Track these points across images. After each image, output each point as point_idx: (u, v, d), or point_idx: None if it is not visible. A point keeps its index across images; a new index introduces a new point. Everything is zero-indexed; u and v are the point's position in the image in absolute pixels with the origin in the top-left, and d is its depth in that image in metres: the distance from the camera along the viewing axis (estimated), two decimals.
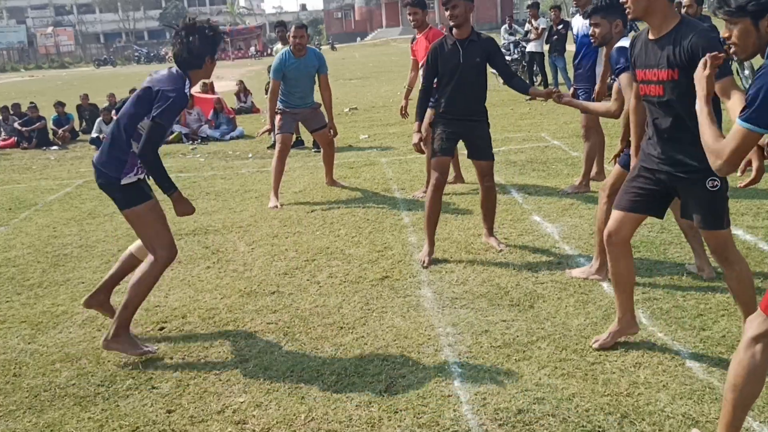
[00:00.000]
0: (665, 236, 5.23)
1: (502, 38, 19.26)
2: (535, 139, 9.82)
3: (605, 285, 4.40)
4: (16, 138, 13.00)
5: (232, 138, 12.07)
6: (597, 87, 6.36)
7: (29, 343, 4.11)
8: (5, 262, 5.69)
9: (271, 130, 7.31)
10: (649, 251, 4.94)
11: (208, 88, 14.67)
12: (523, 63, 16.71)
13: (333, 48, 52.06)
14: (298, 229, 6.16)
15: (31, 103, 13.80)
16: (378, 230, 5.94)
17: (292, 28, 7.07)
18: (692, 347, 3.55)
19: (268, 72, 7.65)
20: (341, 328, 4.08)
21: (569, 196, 6.50)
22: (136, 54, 62.73)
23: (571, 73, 13.49)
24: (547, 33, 14.30)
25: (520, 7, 78.31)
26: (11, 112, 13.58)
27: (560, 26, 13.83)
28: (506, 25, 19.18)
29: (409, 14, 6.58)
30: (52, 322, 4.40)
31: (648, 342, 3.64)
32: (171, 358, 3.82)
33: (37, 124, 12.97)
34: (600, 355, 3.52)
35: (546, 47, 14.54)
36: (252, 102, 15.86)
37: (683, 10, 7.61)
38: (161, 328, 4.22)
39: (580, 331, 3.82)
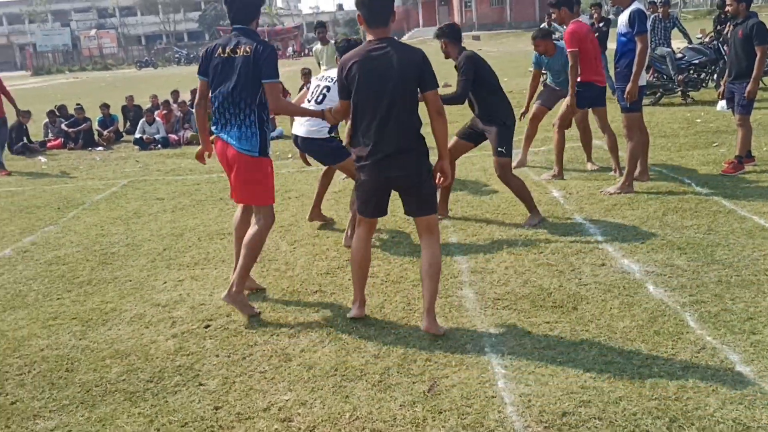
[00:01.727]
0: (712, 237, 5.14)
1: None
2: (577, 138, 9.70)
3: (651, 288, 4.35)
4: (62, 139, 13.32)
5: (272, 138, 12.16)
6: (628, 87, 6.29)
7: (80, 340, 4.21)
8: (56, 260, 5.85)
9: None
10: (695, 253, 4.86)
11: None
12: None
13: None
14: (338, 229, 6.19)
15: (78, 104, 14.11)
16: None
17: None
18: (742, 351, 3.49)
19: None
20: (383, 327, 4.10)
21: (612, 197, 6.42)
22: (176, 55, 63.68)
23: (612, 72, 13.37)
24: None
25: None
26: (58, 115, 13.92)
27: (601, 24, 13.64)
28: (545, 24, 19.01)
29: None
30: (101, 319, 4.51)
31: (696, 346, 3.58)
32: (217, 356, 3.88)
33: (83, 125, 13.28)
34: (647, 359, 3.48)
35: None
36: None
37: (726, 9, 7.50)
38: (207, 326, 4.29)
39: (626, 333, 3.78)
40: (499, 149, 5.70)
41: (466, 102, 5.81)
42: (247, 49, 4.12)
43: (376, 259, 5.30)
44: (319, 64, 11.16)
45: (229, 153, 4.27)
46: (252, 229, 4.33)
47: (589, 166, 7.78)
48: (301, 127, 5.69)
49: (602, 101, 7.19)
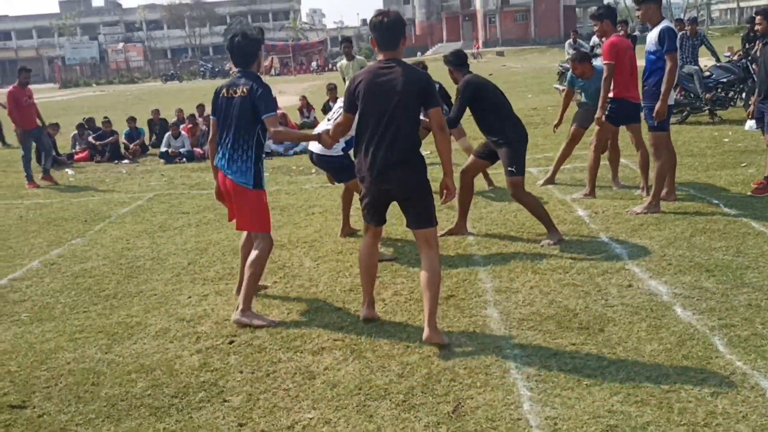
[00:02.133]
0: (741, 260, 5.06)
1: (566, 53, 19.06)
2: (603, 157, 9.63)
3: (679, 310, 4.30)
4: (90, 151, 13.51)
5: (295, 153, 12.26)
6: (657, 106, 6.24)
7: (106, 353, 4.25)
8: (83, 273, 5.91)
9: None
10: (724, 275, 4.79)
11: None
12: None
13: None
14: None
15: (105, 117, 14.32)
16: (442, 249, 5.88)
17: None
18: None
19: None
20: (408, 346, 4.08)
21: (639, 216, 6.36)
22: (202, 69, 64.37)
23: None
24: None
25: (584, 21, 77.43)
26: (86, 128, 14.12)
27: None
28: (570, 40, 19.00)
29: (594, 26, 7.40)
30: (127, 333, 4.54)
31: (726, 371, 3.52)
32: (241, 372, 3.89)
33: (110, 138, 13.46)
34: (675, 383, 3.43)
35: None
36: (315, 117, 16.08)
37: (756, 28, 7.50)
38: (231, 342, 4.30)
39: (654, 357, 3.73)
40: (510, 168, 5.75)
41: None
42: (244, 90, 4.49)
43: (400, 276, 5.30)
44: (344, 79, 11.22)
45: (228, 183, 4.62)
46: (252, 254, 4.63)
47: (614, 184, 7.73)
48: (316, 144, 5.78)
49: (637, 118, 7.11)
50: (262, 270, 4.73)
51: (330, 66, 60.52)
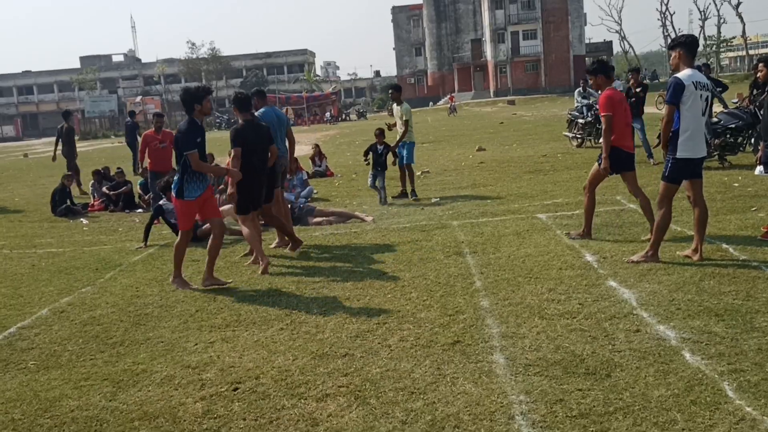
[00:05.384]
0: (751, 304, 5.01)
1: (575, 101, 19.24)
2: (610, 202, 9.66)
3: (687, 355, 4.24)
4: (104, 201, 13.68)
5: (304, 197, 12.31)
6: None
7: (110, 401, 4.24)
8: (91, 321, 5.93)
9: None
10: (734, 320, 4.74)
11: None
12: (597, 126, 16.62)
13: None
14: (369, 291, 6.20)
15: (118, 168, 14.56)
16: (449, 294, 5.92)
17: None
18: None
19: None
20: (412, 393, 4.04)
21: (647, 262, 6.32)
22: (218, 120, 65.26)
23: (649, 135, 13.34)
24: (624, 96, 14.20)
25: None
26: (102, 173, 14.36)
27: (639, 89, 13.73)
28: (580, 88, 19.20)
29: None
30: (132, 380, 4.54)
31: (735, 416, 3.46)
32: (244, 419, 3.86)
33: (123, 188, 13.63)
34: (683, 430, 3.37)
35: None
36: (326, 166, 16.24)
37: (758, 75, 7.66)
38: (235, 389, 4.28)
39: (661, 403, 3.67)
40: None
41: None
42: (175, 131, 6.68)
43: (407, 322, 5.28)
44: (399, 119, 11.68)
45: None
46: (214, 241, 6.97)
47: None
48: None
49: (631, 166, 7.22)
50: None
51: (344, 116, 61.22)
